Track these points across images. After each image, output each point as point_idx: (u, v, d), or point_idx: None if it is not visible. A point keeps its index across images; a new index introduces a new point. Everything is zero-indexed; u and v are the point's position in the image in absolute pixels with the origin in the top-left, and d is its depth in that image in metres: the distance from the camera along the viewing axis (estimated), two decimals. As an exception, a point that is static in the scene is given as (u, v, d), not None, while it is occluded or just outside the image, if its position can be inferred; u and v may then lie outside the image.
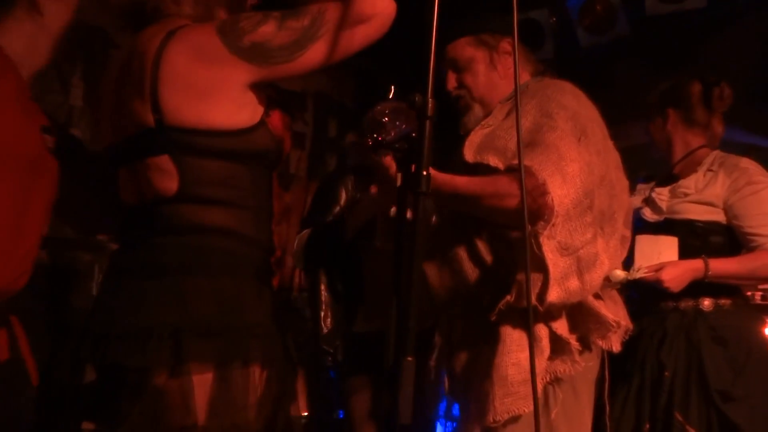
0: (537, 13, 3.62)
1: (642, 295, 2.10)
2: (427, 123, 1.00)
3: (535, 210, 1.39)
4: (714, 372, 1.97)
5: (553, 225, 1.39)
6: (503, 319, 1.50)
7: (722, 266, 2.01)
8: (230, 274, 1.23)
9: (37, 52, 1.45)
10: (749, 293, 3.62)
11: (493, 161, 1.50)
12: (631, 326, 1.61)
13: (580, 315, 1.54)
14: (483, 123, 1.67)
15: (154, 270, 1.22)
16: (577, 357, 1.51)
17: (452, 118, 1.78)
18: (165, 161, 1.23)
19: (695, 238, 2.08)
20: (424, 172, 0.99)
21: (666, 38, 3.49)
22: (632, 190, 2.24)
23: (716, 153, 2.27)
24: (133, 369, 1.16)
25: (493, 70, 1.74)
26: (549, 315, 1.49)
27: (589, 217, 1.46)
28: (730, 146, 4.20)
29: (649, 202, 2.23)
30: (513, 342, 1.48)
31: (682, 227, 2.10)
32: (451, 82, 1.79)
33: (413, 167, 1.00)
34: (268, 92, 1.33)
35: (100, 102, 1.35)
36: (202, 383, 1.15)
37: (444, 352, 1.71)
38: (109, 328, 1.20)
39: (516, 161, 1.32)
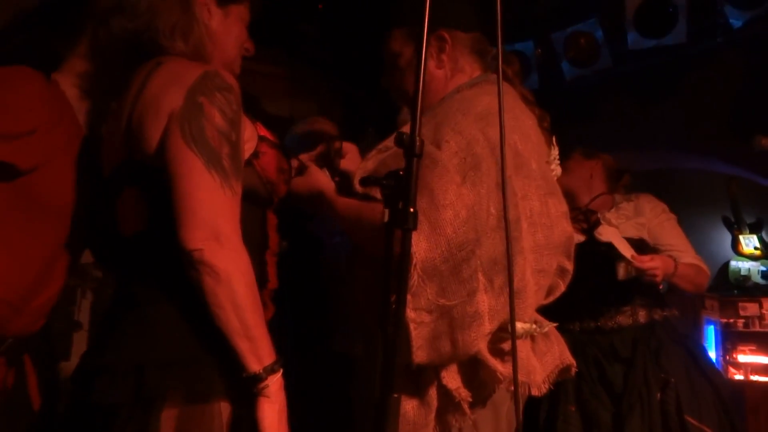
0: (523, 45, 3.69)
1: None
2: (414, 161, 1.01)
3: None
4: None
5: (415, 283, 1.21)
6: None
7: (684, 270, 2.26)
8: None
9: (97, 92, 1.45)
10: (731, 320, 3.85)
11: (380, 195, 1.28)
12: (572, 362, 1.48)
13: (471, 366, 1.36)
14: (381, 146, 1.45)
15: (128, 301, 1.22)
16: (467, 410, 1.34)
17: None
18: (136, 194, 1.22)
19: None
20: (411, 209, 1.00)
21: (648, 71, 3.57)
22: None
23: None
24: (99, 406, 1.13)
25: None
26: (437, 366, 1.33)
27: (466, 271, 1.25)
28: (711, 176, 4.32)
29: None
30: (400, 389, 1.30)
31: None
32: (384, 78, 1.60)
33: (400, 204, 1.01)
34: (261, 133, 1.33)
35: (101, 138, 1.36)
36: (168, 419, 1.11)
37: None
38: (84, 362, 1.21)
39: None
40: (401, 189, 1.01)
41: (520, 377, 1.36)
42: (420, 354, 1.27)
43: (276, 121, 3.53)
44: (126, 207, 1.25)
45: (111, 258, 1.32)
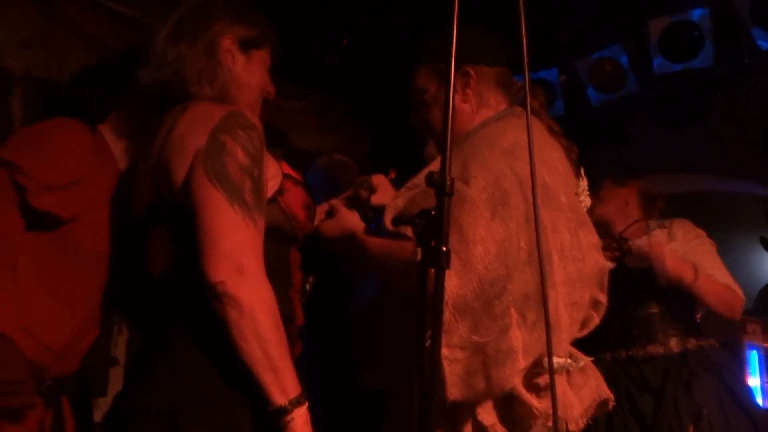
0: (547, 73, 3.70)
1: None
2: (446, 200, 1.02)
3: None
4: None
5: (447, 320, 1.21)
6: None
7: (710, 284, 2.20)
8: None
9: (136, 141, 1.49)
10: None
11: (411, 233, 1.28)
12: (610, 396, 1.46)
13: (506, 402, 1.34)
14: (410, 183, 1.45)
15: (158, 343, 1.23)
16: None
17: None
18: (165, 234, 1.25)
19: None
20: (444, 248, 1.01)
21: (676, 95, 3.54)
22: None
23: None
24: None
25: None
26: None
27: (499, 307, 1.25)
28: (746, 198, 4.23)
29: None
30: (436, 426, 1.26)
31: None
32: (410, 113, 1.62)
33: (432, 242, 1.02)
34: (286, 171, 1.35)
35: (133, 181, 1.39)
36: None
37: None
38: (117, 404, 1.22)
39: None
40: (433, 228, 1.02)
41: (558, 412, 1.35)
42: (454, 391, 1.26)
43: (303, 156, 3.53)
44: (155, 247, 1.27)
45: (141, 299, 1.34)
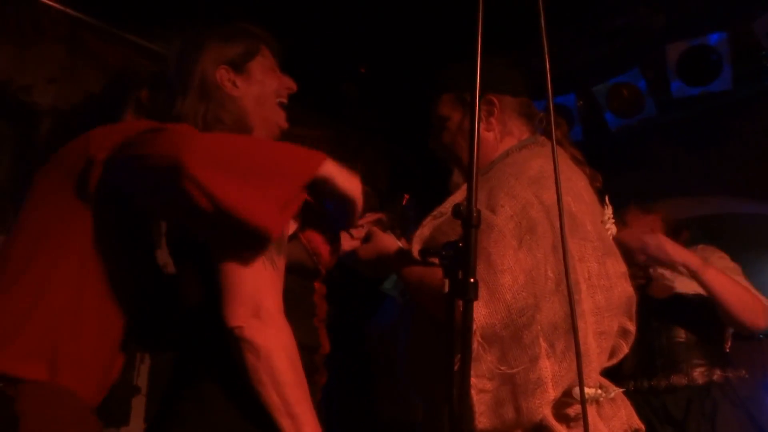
0: (564, 99, 3.69)
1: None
2: (473, 231, 1.02)
3: None
4: None
5: (475, 350, 1.20)
6: None
7: (725, 282, 2.10)
8: None
9: None
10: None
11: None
12: (641, 427, 1.45)
13: (535, 431, 1.32)
14: (435, 212, 1.45)
15: (186, 377, 1.24)
16: None
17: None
18: (193, 269, 1.26)
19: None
20: (472, 280, 1.00)
21: (695, 119, 3.52)
22: None
23: None
24: None
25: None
26: None
27: (527, 337, 1.24)
28: (766, 220, 4.16)
29: None
30: None
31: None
32: (432, 140, 1.62)
33: (460, 274, 1.01)
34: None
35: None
36: None
37: None
38: None
39: None
40: (460, 259, 1.02)
41: None
42: (483, 420, 1.26)
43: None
44: (186, 279, 1.29)
45: (169, 332, 1.34)
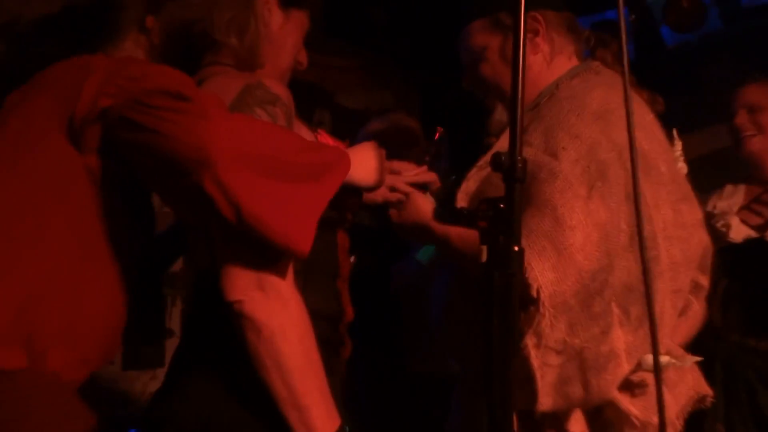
0: (614, 12, 3.38)
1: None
2: (518, 186, 0.81)
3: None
4: None
5: (539, 323, 1.08)
6: None
7: None
8: None
9: None
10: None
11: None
12: (708, 392, 1.32)
13: (598, 410, 1.22)
14: (480, 162, 1.31)
15: (196, 344, 1.18)
16: None
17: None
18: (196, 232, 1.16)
19: None
20: (516, 248, 0.81)
21: (765, 32, 3.16)
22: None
23: None
24: None
25: None
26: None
27: (598, 306, 1.11)
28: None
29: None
30: None
31: None
32: (466, 77, 1.47)
33: (501, 239, 0.82)
34: (325, 140, 1.26)
35: None
36: None
37: None
38: (152, 408, 1.18)
39: None
40: (501, 222, 0.82)
41: (650, 416, 1.18)
42: (546, 401, 1.13)
43: (352, 115, 3.48)
44: (193, 242, 1.20)
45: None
